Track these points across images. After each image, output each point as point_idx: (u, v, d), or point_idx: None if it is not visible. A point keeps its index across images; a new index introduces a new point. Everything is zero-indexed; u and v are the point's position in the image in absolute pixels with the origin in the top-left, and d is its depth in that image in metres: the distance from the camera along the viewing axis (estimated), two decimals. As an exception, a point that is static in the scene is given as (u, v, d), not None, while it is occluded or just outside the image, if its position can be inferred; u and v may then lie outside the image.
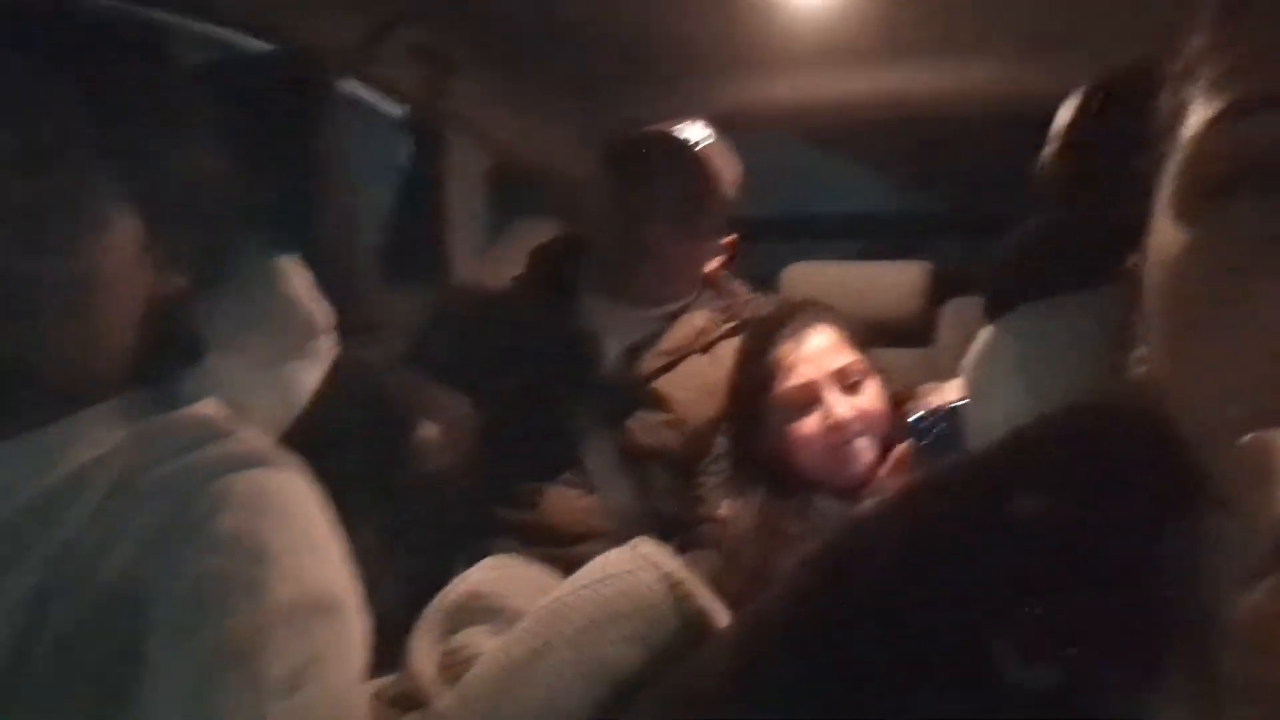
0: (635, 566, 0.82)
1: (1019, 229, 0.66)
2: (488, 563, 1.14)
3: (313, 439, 0.73)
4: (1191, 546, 0.38)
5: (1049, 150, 0.68)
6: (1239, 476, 0.29)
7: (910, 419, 1.15)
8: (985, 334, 0.64)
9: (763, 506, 1.33)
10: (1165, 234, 0.37)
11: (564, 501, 1.42)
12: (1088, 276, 0.57)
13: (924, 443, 1.13)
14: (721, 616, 0.81)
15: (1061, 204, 0.65)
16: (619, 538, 1.38)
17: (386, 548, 0.80)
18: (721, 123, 1.54)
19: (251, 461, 0.64)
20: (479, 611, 0.98)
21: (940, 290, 1.83)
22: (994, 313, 0.63)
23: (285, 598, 0.59)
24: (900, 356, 1.64)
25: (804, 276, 1.92)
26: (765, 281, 1.84)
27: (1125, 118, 0.64)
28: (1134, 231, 0.50)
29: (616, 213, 1.48)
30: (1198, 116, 0.36)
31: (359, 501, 0.71)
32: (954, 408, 1.14)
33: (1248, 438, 0.29)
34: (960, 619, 0.40)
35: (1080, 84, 1.66)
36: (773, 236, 2.63)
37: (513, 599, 0.96)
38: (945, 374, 1.62)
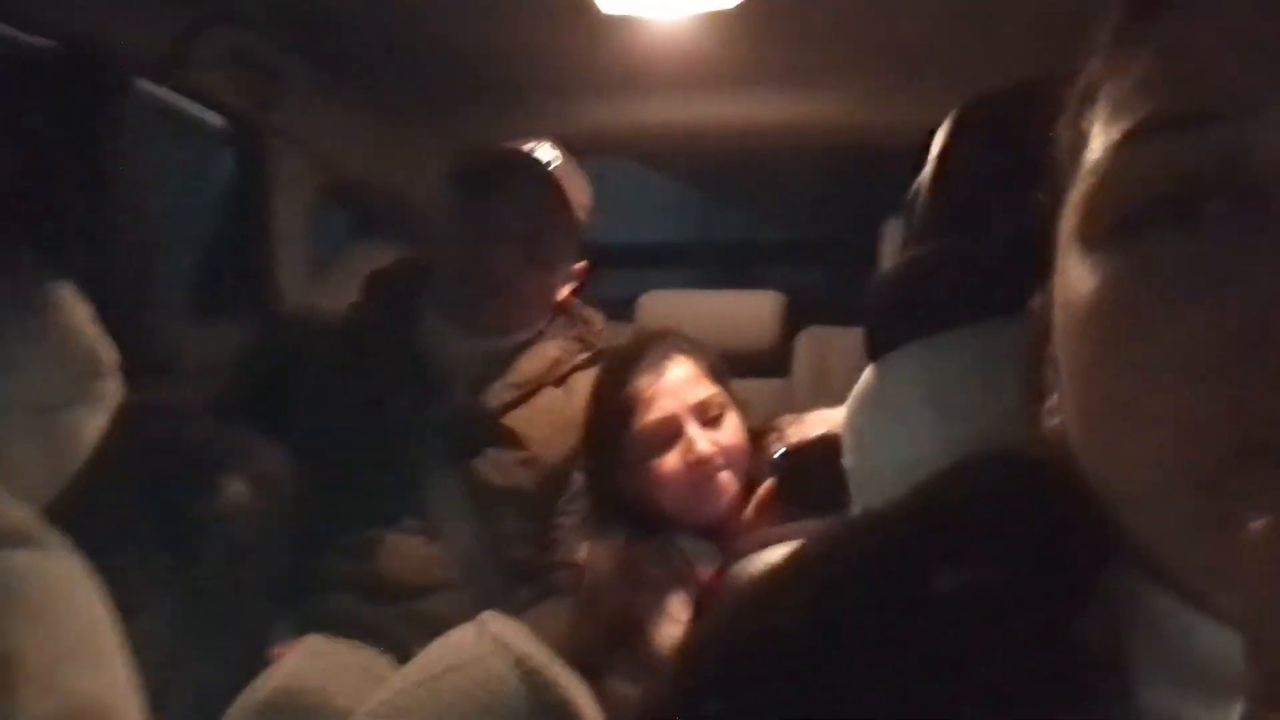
0: (486, 652, 0.71)
1: (899, 260, 0.60)
2: (306, 646, 1.00)
3: (93, 502, 0.60)
4: (1110, 615, 0.35)
5: (923, 179, 0.63)
6: (1219, 570, 0.27)
7: (774, 455, 1.10)
8: (867, 374, 0.58)
9: (623, 548, 1.26)
10: (1072, 271, 0.34)
11: (405, 550, 1.30)
12: (979, 310, 0.53)
13: (788, 480, 1.08)
14: (584, 701, 0.72)
15: (939, 235, 0.60)
16: (466, 588, 1.29)
17: (185, 634, 0.67)
18: (571, 145, 1.47)
19: (4, 540, 0.51)
20: (294, 712, 0.84)
21: (794, 319, 1.82)
22: (876, 350, 0.57)
23: (42, 711, 0.47)
24: (757, 387, 1.61)
25: (659, 305, 1.87)
26: (619, 310, 1.77)
27: (1003, 143, 0.60)
28: (1023, 262, 0.48)
29: (463, 235, 1.38)
30: (1100, 142, 0.34)
31: (149, 578, 0.58)
32: (818, 443, 1.10)
33: (1255, 526, 0.24)
34: (873, 701, 0.35)
35: (942, 111, 1.72)
36: (624, 263, 2.59)
37: (335, 694, 0.83)
38: (802, 405, 1.61)
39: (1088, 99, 0.35)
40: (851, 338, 1.78)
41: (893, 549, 0.40)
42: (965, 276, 0.57)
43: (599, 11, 1.39)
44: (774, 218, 2.98)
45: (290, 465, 0.96)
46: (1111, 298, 0.32)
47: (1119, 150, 0.32)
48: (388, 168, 1.78)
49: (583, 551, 1.27)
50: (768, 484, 1.10)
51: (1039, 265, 0.57)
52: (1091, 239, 0.33)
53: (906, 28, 1.47)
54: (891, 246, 1.75)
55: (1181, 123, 0.31)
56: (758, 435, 1.33)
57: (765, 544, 0.74)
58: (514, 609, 1.25)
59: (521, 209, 1.38)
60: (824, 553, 0.43)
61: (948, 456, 0.44)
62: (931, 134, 0.67)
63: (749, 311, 1.82)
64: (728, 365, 1.38)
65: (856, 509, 0.62)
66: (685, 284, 2.17)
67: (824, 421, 1.34)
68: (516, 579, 1.32)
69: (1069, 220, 0.35)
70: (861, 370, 1.85)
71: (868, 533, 0.43)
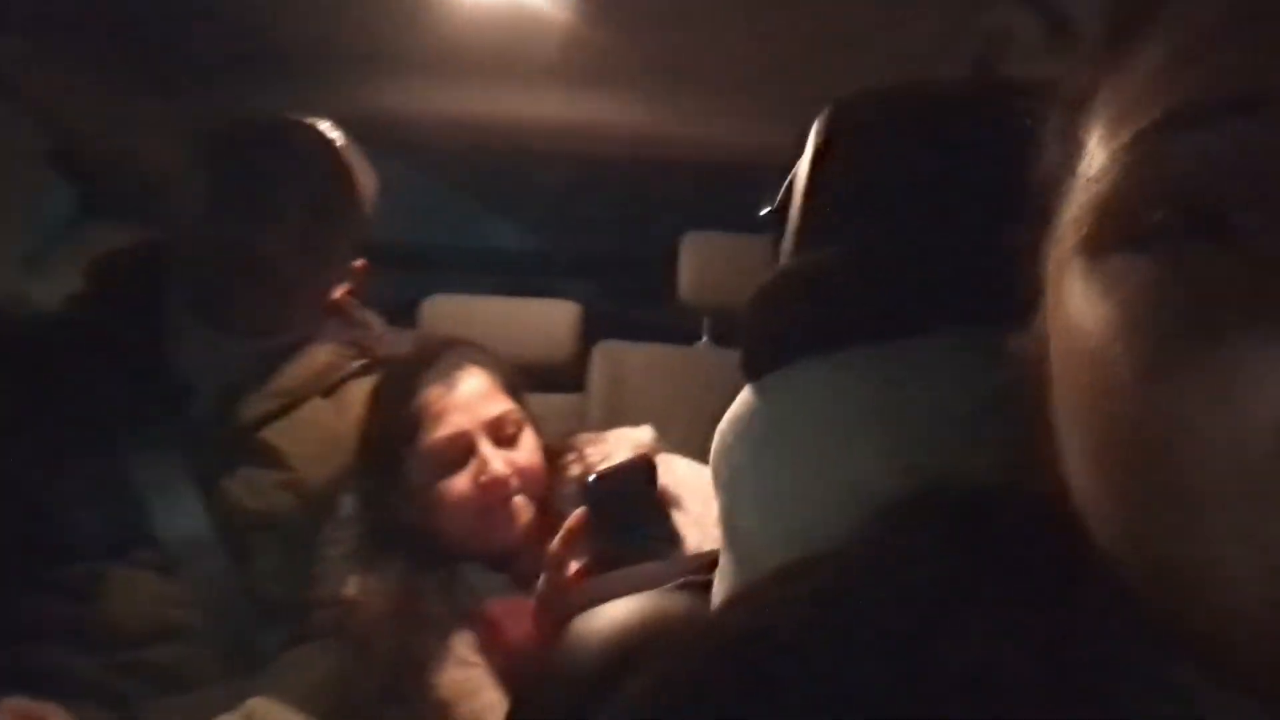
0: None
1: (782, 269, 0.53)
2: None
3: None
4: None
5: (796, 181, 0.57)
6: None
7: (590, 479, 1.00)
8: (747, 398, 0.49)
9: (400, 581, 1.12)
10: (1074, 295, 0.30)
11: (134, 588, 1.10)
12: (876, 326, 0.46)
13: (600, 508, 0.98)
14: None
15: (820, 241, 0.53)
16: (209, 634, 1.10)
17: None
18: (350, 131, 1.30)
19: None
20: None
21: (591, 332, 1.74)
22: (756, 369, 0.49)
23: None
24: (550, 402, 1.51)
25: (445, 310, 1.73)
26: (399, 315, 1.61)
27: (883, 143, 0.53)
28: (917, 273, 0.47)
29: (222, 214, 1.17)
30: (1103, 149, 0.30)
31: None
32: (630, 467, 1.01)
33: None
34: None
35: (747, 129, 1.72)
36: (403, 265, 2.41)
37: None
38: (597, 422, 1.53)
39: (1078, 107, 0.32)
40: (646, 354, 1.73)
41: (871, 616, 0.32)
42: (872, 285, 0.50)
43: None
44: (556, 228, 2.89)
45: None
46: (1138, 321, 0.27)
47: (1130, 151, 0.28)
48: (126, 135, 1.53)
49: (352, 587, 1.11)
50: (578, 513, 0.99)
51: (923, 272, 0.50)
52: (1100, 253, 0.29)
53: (721, 41, 1.43)
54: (691, 259, 1.72)
55: (1201, 117, 0.27)
56: (554, 455, 1.23)
57: (605, 595, 0.64)
58: (270, 655, 1.10)
59: (300, 185, 1.19)
60: (777, 604, 0.34)
61: (873, 489, 0.39)
62: (801, 137, 0.61)
63: (544, 321, 1.72)
64: (524, 379, 1.27)
65: (732, 551, 0.53)
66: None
67: (625, 441, 1.26)
68: (272, 620, 1.13)
69: (1066, 239, 0.31)
70: (656, 387, 1.77)
71: (829, 602, 0.33)
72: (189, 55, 1.48)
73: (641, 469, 0.99)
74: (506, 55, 1.48)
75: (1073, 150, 0.32)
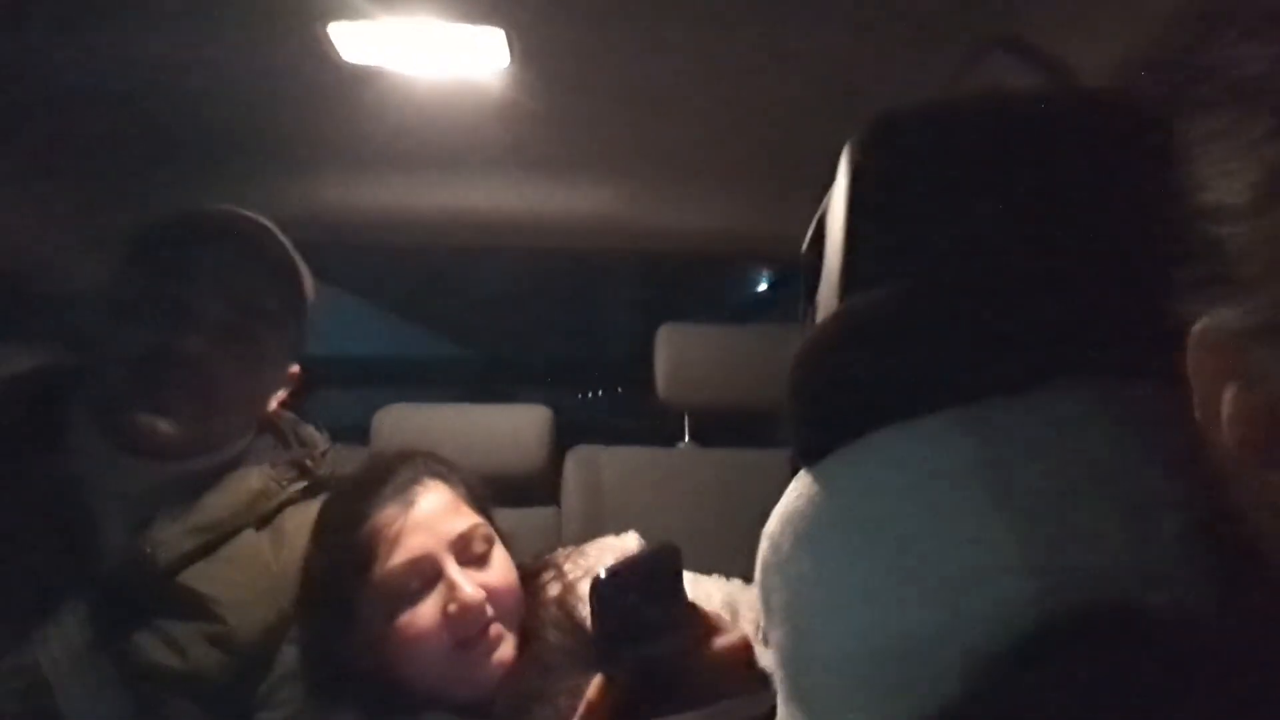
0: None
1: (827, 320, 0.40)
2: None
3: None
4: None
5: (824, 226, 0.45)
6: None
7: (599, 575, 0.81)
8: (802, 488, 0.34)
9: (353, 746, 0.93)
10: None
11: None
12: (967, 382, 0.36)
13: (607, 611, 0.79)
14: None
15: (859, 290, 0.41)
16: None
17: None
18: (287, 229, 1.16)
19: None
20: None
21: (563, 438, 1.59)
22: (813, 450, 0.34)
23: None
24: (522, 517, 1.35)
25: (400, 421, 1.57)
26: (346, 434, 1.44)
27: (928, 161, 0.44)
28: (1014, 313, 0.39)
29: (138, 315, 1.02)
30: None
31: None
32: (640, 564, 0.82)
33: None
34: None
35: (713, 215, 1.62)
36: (347, 381, 2.25)
37: None
38: (576, 536, 1.37)
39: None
40: (625, 458, 1.58)
41: None
42: (957, 329, 0.37)
43: (335, 61, 1.13)
44: (512, 331, 2.76)
45: None
46: None
47: None
48: (31, 245, 1.38)
49: (295, 759, 0.92)
50: (597, 682, 0.80)
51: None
52: None
53: (686, 126, 1.34)
54: (668, 353, 1.59)
55: None
56: (529, 575, 1.08)
57: None
58: None
59: (229, 279, 1.04)
60: None
61: (990, 596, 0.31)
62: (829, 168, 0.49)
63: (511, 428, 1.57)
64: (492, 491, 1.11)
65: (797, 702, 0.38)
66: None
67: (609, 551, 1.12)
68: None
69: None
70: (636, 492, 1.56)
71: None
72: (108, 151, 1.35)
73: (664, 559, 0.81)
74: (457, 143, 1.38)
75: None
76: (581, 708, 0.78)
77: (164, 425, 1.01)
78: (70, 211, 1.42)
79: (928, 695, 0.30)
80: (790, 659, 0.37)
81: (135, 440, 1.01)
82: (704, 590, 1.17)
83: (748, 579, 1.20)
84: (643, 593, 0.78)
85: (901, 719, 0.30)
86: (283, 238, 1.11)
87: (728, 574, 1.18)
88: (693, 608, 0.82)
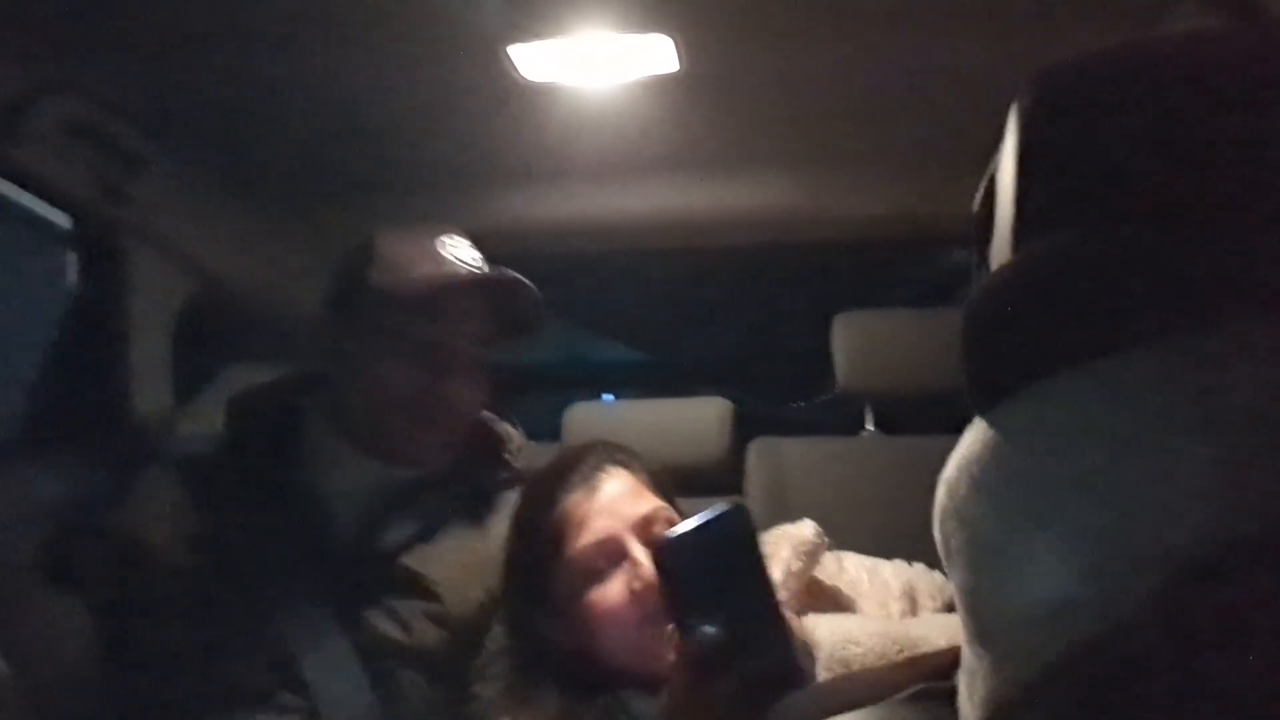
0: None
1: (1001, 268, 0.40)
2: None
3: None
4: None
5: (994, 186, 0.45)
6: None
7: (666, 536, 0.80)
8: (980, 434, 0.35)
9: (557, 717, 0.99)
10: None
11: None
12: (1156, 321, 0.36)
13: (677, 574, 0.77)
14: None
15: (1045, 231, 0.41)
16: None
17: None
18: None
19: None
20: None
21: (744, 430, 1.61)
22: (991, 394, 0.36)
23: None
24: (708, 506, 1.38)
25: (589, 418, 1.65)
26: (539, 432, 1.52)
27: (1101, 113, 0.43)
28: (1205, 253, 0.36)
29: (402, 359, 1.14)
30: None
31: None
32: (728, 518, 0.79)
33: None
34: None
35: (893, 204, 1.60)
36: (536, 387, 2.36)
37: None
38: (760, 524, 1.38)
39: None
40: (807, 448, 1.58)
41: None
42: (1147, 268, 0.37)
43: (517, 82, 1.21)
44: (686, 332, 2.78)
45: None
46: None
47: None
48: (265, 274, 1.54)
49: (507, 728, 0.99)
50: (674, 643, 0.80)
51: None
52: None
53: (853, 114, 1.34)
54: (846, 342, 1.59)
55: None
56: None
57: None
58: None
59: (488, 334, 1.18)
60: None
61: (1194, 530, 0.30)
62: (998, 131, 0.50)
63: (694, 422, 1.61)
64: (675, 480, 1.16)
65: (981, 643, 0.39)
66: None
67: (784, 539, 1.13)
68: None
69: None
70: (819, 482, 1.54)
71: None
72: (324, 185, 1.49)
73: (732, 521, 0.79)
74: (632, 150, 1.43)
75: None
76: (670, 669, 0.79)
77: (420, 441, 1.16)
78: (291, 238, 1.57)
79: (1097, 622, 0.31)
80: (971, 599, 0.39)
81: (378, 448, 1.15)
82: (882, 576, 1.16)
83: (931, 564, 1.18)
84: (712, 553, 0.77)
85: (1065, 643, 0.31)
86: (537, 294, 1.19)
87: (910, 554, 1.17)
88: (761, 574, 0.79)
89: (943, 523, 0.41)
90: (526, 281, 1.18)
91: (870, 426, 1.66)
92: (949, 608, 1.11)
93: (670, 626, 0.80)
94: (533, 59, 1.20)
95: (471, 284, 1.16)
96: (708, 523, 0.79)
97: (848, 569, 1.17)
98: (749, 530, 0.79)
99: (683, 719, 0.80)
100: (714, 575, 0.77)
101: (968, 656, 0.41)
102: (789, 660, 0.79)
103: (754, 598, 0.78)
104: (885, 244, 1.73)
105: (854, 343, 1.58)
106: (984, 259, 0.51)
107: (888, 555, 1.19)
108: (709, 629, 0.75)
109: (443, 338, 1.15)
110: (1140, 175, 0.42)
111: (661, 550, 0.79)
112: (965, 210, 0.55)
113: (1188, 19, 1.01)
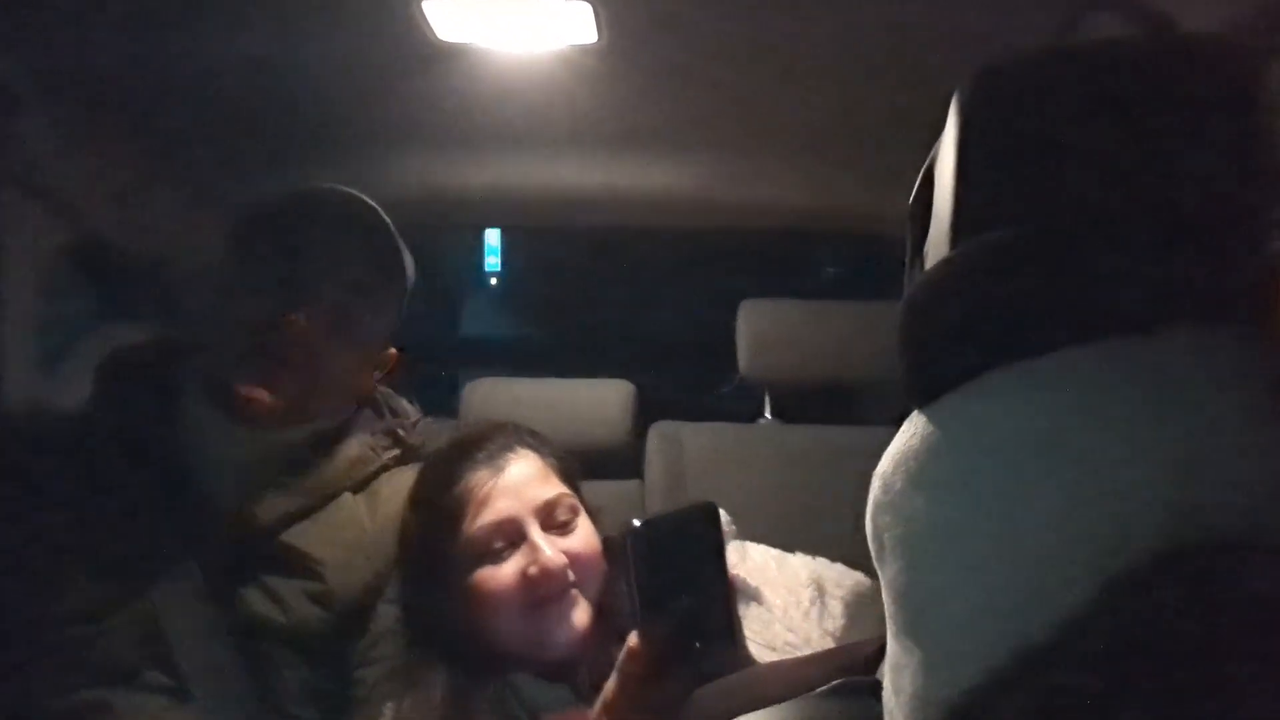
0: None
1: (943, 260, 0.40)
2: None
3: None
4: None
5: (932, 177, 0.45)
6: None
7: (633, 524, 0.80)
8: (916, 427, 0.35)
9: (444, 700, 0.98)
10: None
11: (142, 717, 0.97)
12: (1094, 319, 0.36)
13: (644, 562, 0.78)
14: None
15: (978, 227, 0.41)
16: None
17: None
18: (390, 209, 1.20)
19: None
20: None
21: (646, 413, 1.61)
22: (927, 388, 0.35)
23: None
24: (606, 490, 1.37)
25: (489, 394, 1.61)
26: (436, 406, 1.48)
27: (1037, 110, 0.43)
28: (1142, 253, 0.37)
29: (250, 291, 1.06)
30: None
31: None
32: (696, 513, 0.82)
33: None
34: None
35: (812, 190, 1.60)
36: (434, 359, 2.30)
37: None
38: (656, 509, 1.39)
39: None
40: (707, 434, 1.59)
41: None
42: (1085, 265, 0.37)
43: (431, 42, 1.16)
44: (592, 308, 2.76)
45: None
46: None
47: None
48: (147, 227, 1.45)
49: (390, 713, 0.96)
50: (636, 633, 0.81)
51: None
52: None
53: (775, 100, 1.33)
54: (749, 329, 1.59)
55: None
56: (612, 547, 1.09)
57: (722, 708, 0.50)
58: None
59: (338, 257, 1.08)
60: None
61: (1128, 532, 0.30)
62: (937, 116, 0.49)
63: (596, 403, 1.60)
64: (579, 464, 1.15)
65: (909, 635, 0.38)
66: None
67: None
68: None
69: None
70: (717, 468, 1.56)
71: None
72: (212, 137, 1.41)
73: (700, 516, 0.80)
74: (546, 120, 1.39)
75: None
76: (622, 656, 0.79)
77: (266, 395, 1.05)
78: (179, 196, 1.49)
79: (1037, 623, 0.31)
80: (903, 594, 0.38)
81: (238, 408, 1.05)
82: (791, 568, 1.17)
83: (830, 555, 1.20)
84: (678, 547, 0.78)
85: (1007, 645, 0.31)
86: (386, 219, 1.15)
87: (805, 544, 1.19)
88: (723, 570, 0.82)
89: (876, 516, 0.40)
90: (375, 206, 1.12)
91: (768, 415, 1.68)
92: (854, 598, 1.13)
93: (626, 613, 0.80)
94: (448, 17, 1.15)
95: (311, 199, 1.10)
96: (677, 515, 0.81)
97: (751, 557, 1.18)
98: (717, 530, 0.81)
99: (625, 708, 0.80)
100: (677, 568, 0.78)
101: (894, 651, 0.40)
102: (739, 661, 0.80)
103: (713, 597, 0.79)
104: (796, 234, 1.74)
105: (757, 330, 1.59)
106: (918, 252, 0.50)
107: (782, 541, 1.21)
108: (667, 620, 0.77)
109: (291, 268, 1.06)
110: (1073, 175, 0.42)
111: (629, 536, 0.79)
112: (896, 203, 0.55)
113: (1104, 28, 1.03)
